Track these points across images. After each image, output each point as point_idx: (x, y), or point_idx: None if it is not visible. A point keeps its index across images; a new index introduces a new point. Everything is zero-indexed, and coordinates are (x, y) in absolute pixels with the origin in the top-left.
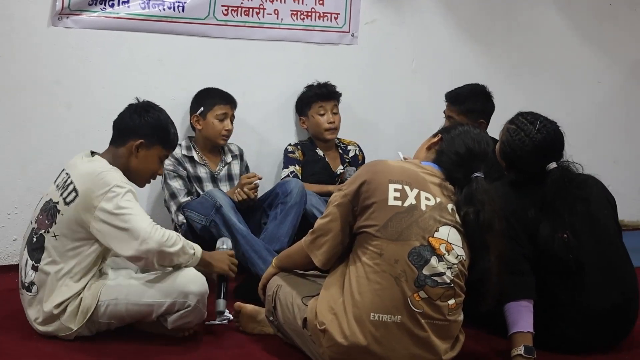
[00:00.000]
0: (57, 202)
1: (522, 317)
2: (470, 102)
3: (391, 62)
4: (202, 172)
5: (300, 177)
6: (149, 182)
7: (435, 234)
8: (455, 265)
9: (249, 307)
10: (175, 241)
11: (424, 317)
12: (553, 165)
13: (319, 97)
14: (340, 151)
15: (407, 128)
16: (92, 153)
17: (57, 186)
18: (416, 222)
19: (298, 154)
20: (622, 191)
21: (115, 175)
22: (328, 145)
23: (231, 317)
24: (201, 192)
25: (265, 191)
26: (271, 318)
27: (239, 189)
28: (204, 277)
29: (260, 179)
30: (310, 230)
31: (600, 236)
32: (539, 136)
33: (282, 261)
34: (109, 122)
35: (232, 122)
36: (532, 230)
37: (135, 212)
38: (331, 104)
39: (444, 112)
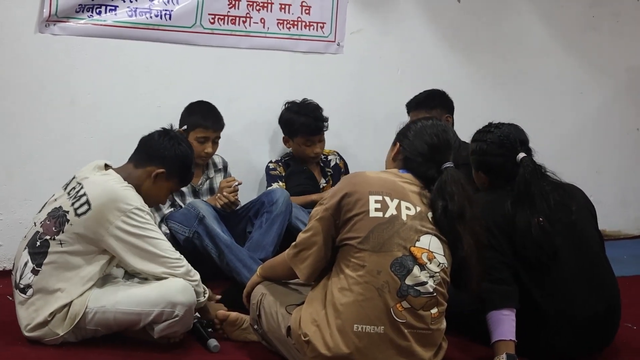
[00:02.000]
0: (68, 212)
1: (504, 325)
2: (430, 100)
3: (377, 72)
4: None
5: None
6: (150, 207)
7: (417, 244)
8: (438, 274)
9: (234, 314)
10: (195, 275)
11: (407, 326)
12: (522, 155)
13: (307, 132)
14: (322, 164)
15: (391, 137)
16: (106, 166)
17: (69, 194)
18: (397, 233)
19: (280, 170)
20: (604, 201)
21: (134, 195)
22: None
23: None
24: (183, 206)
25: (250, 200)
26: (255, 326)
27: (219, 194)
28: (192, 288)
29: (239, 183)
30: (293, 243)
31: (582, 245)
32: (492, 135)
33: (266, 271)
34: (95, 129)
35: (215, 144)
36: (512, 233)
37: (161, 237)
38: (318, 137)
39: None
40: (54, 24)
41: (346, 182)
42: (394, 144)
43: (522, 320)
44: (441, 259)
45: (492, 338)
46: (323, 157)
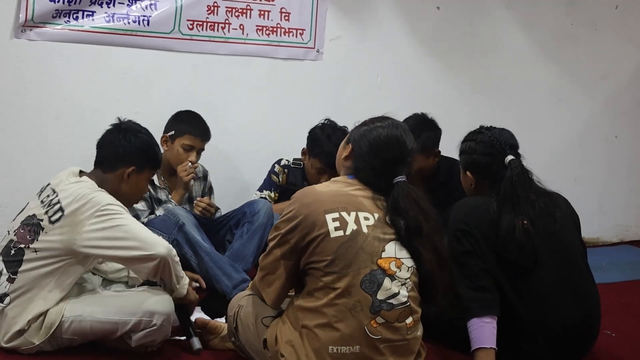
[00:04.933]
0: (42, 220)
1: (485, 333)
2: (423, 136)
3: (356, 78)
4: (162, 195)
5: (273, 202)
6: (137, 202)
7: (383, 254)
8: (408, 279)
9: (212, 322)
10: (177, 256)
11: (383, 342)
12: (510, 157)
13: (326, 163)
14: None
15: None
16: (81, 173)
17: (42, 202)
18: (362, 248)
19: (282, 178)
20: (582, 208)
21: (105, 196)
22: None
23: (201, 348)
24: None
25: (232, 209)
26: (233, 339)
27: (195, 201)
28: (170, 297)
29: (217, 209)
30: (259, 266)
31: (564, 255)
32: (482, 135)
33: (251, 289)
34: (71, 135)
35: (199, 154)
36: (495, 239)
37: (132, 222)
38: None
39: None
40: (30, 30)
41: (299, 205)
42: (347, 143)
43: (500, 329)
44: (409, 262)
45: (473, 345)
46: None
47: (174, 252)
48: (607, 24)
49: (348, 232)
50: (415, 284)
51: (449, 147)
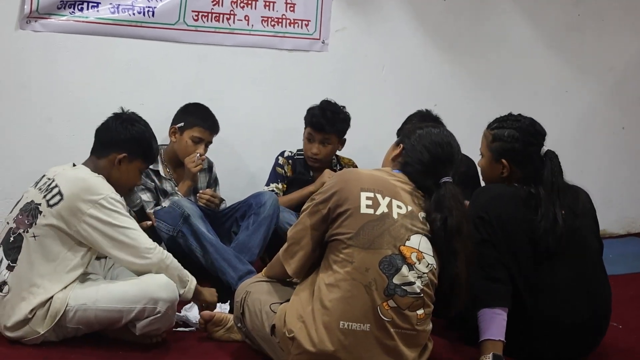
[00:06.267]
0: (40, 204)
1: (494, 324)
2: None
3: (361, 70)
4: (167, 186)
5: (281, 193)
6: (128, 193)
7: (407, 243)
8: (426, 275)
9: (219, 314)
10: (173, 262)
11: (393, 326)
12: (546, 148)
13: (311, 124)
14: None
15: (375, 136)
16: (74, 165)
17: (40, 189)
18: (388, 231)
19: (287, 169)
20: None
21: (104, 184)
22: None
23: (198, 326)
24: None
25: (238, 200)
26: (239, 324)
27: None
28: (174, 284)
29: (222, 200)
30: (287, 238)
31: (581, 251)
32: (522, 123)
33: (267, 271)
34: (76, 126)
35: (206, 148)
36: (516, 230)
37: (133, 225)
38: (320, 135)
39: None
40: (35, 21)
41: (338, 179)
42: (397, 144)
43: (509, 321)
44: (430, 259)
45: (481, 336)
46: (339, 166)
47: (169, 260)
48: (614, 15)
49: (378, 212)
50: (432, 282)
51: (456, 136)
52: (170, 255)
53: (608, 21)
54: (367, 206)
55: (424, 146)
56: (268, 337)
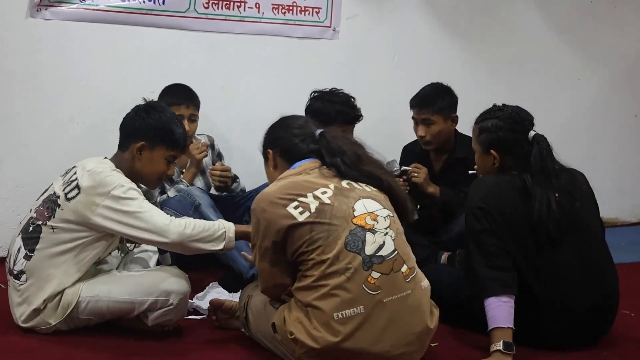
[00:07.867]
0: (59, 197)
1: (502, 312)
2: (440, 100)
3: (372, 58)
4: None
5: None
6: (159, 183)
7: (355, 214)
8: (389, 228)
9: (227, 302)
10: (195, 227)
11: (386, 295)
12: (533, 132)
13: (344, 121)
14: None
15: (386, 124)
16: (105, 158)
17: (65, 181)
18: (334, 216)
19: None
20: (601, 188)
21: (117, 176)
22: None
23: (207, 313)
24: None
25: (250, 189)
26: (243, 330)
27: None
28: (186, 276)
29: (236, 178)
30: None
31: (584, 234)
32: (503, 113)
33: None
34: (87, 115)
35: (193, 121)
36: (516, 218)
37: (146, 208)
38: (352, 127)
39: (414, 117)
40: (46, 9)
41: (258, 214)
42: (266, 156)
43: (516, 309)
44: (383, 212)
45: (490, 325)
46: None
47: (188, 231)
48: (626, 1)
49: (313, 209)
50: (398, 230)
51: (467, 126)
52: (189, 222)
53: (621, 8)
54: (301, 213)
55: (285, 128)
56: (271, 335)
